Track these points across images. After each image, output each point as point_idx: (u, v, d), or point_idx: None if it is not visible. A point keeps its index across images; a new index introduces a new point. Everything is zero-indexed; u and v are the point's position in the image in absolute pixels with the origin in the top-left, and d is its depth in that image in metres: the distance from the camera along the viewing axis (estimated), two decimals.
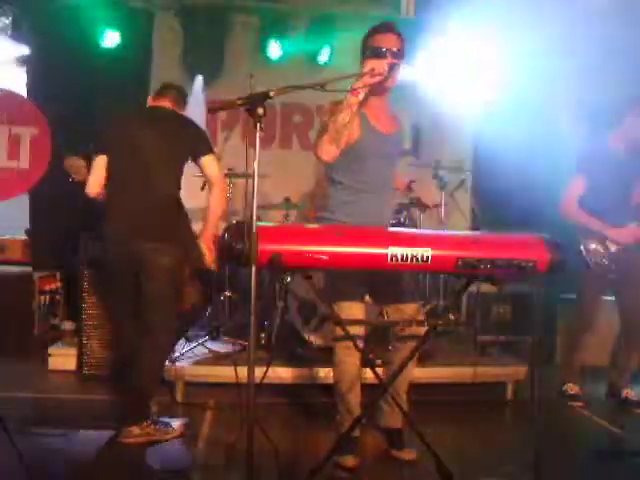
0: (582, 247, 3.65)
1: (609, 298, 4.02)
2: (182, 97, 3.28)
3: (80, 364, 3.91)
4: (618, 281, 3.72)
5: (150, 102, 3.24)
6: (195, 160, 3.05)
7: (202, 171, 3.08)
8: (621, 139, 3.72)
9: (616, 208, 3.62)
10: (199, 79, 5.52)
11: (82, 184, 3.15)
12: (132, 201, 2.98)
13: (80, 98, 4.98)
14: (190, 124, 3.12)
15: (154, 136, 3.00)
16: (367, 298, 2.90)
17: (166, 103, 3.17)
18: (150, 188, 2.96)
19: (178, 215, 3.05)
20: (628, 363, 3.83)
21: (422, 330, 2.71)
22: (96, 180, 3.08)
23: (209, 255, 3.06)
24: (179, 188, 3.08)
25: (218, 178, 3.10)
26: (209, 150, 3.06)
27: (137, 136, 3.00)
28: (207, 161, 3.03)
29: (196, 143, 3.05)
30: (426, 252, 2.18)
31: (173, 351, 3.50)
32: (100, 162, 3.07)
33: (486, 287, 2.45)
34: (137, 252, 2.93)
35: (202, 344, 4.02)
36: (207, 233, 3.07)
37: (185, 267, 3.08)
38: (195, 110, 5.49)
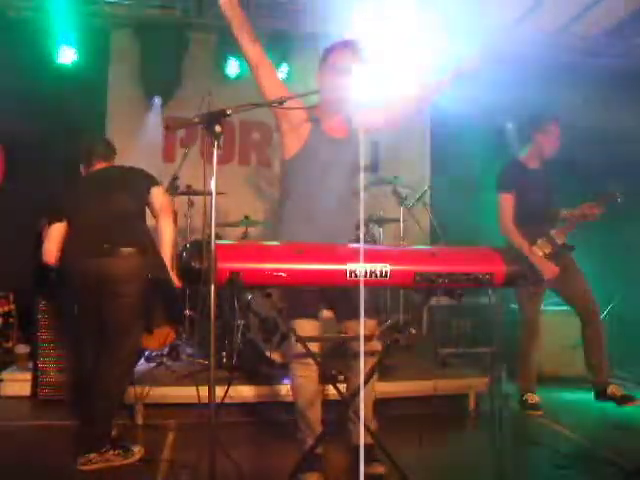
0: None
1: (562, 308, 4.22)
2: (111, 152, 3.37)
3: (35, 389, 3.79)
4: (555, 283, 3.87)
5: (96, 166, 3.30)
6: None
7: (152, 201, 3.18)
8: (534, 157, 3.98)
9: (541, 221, 3.87)
10: (157, 97, 5.49)
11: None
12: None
13: (33, 116, 4.88)
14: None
15: (108, 183, 3.18)
16: (326, 313, 2.90)
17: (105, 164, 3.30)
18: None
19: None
20: (600, 359, 3.86)
21: (378, 346, 2.73)
22: (55, 248, 3.07)
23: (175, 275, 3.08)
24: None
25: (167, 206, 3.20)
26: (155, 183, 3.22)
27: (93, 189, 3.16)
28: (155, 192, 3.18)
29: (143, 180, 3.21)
30: (385, 267, 2.20)
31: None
32: (60, 229, 3.09)
33: (445, 300, 2.47)
34: (103, 270, 2.92)
35: (162, 364, 3.96)
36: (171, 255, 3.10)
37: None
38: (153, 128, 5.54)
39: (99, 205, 3.07)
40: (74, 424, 3.27)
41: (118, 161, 3.39)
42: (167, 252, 3.11)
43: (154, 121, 5.54)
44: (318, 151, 2.72)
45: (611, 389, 3.81)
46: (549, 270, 3.79)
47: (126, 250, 2.96)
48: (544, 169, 4.02)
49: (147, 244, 3.06)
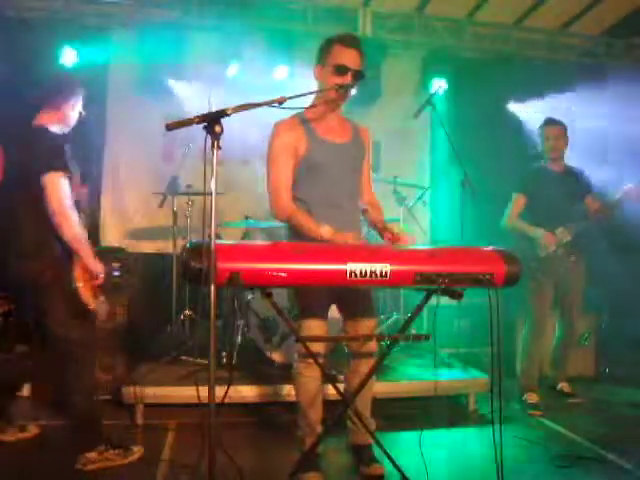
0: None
1: None
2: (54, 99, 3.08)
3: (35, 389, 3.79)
4: (558, 286, 3.98)
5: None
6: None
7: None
8: (551, 161, 4.07)
9: (559, 219, 3.92)
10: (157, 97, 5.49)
11: None
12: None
13: (33, 117, 4.87)
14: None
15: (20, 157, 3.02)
16: (332, 313, 2.88)
17: (43, 120, 3.05)
18: None
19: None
20: (565, 361, 4.19)
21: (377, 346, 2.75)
22: None
23: (84, 291, 2.89)
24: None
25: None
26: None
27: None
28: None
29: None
30: (385, 267, 2.20)
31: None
32: None
33: (445, 300, 2.47)
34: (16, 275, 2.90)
35: (162, 364, 3.96)
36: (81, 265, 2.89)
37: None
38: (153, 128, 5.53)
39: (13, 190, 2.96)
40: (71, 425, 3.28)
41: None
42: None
43: (154, 121, 5.53)
44: (317, 158, 2.71)
45: (561, 385, 4.14)
46: (547, 238, 3.87)
47: (27, 258, 2.89)
48: (571, 173, 4.08)
49: (42, 247, 2.91)
